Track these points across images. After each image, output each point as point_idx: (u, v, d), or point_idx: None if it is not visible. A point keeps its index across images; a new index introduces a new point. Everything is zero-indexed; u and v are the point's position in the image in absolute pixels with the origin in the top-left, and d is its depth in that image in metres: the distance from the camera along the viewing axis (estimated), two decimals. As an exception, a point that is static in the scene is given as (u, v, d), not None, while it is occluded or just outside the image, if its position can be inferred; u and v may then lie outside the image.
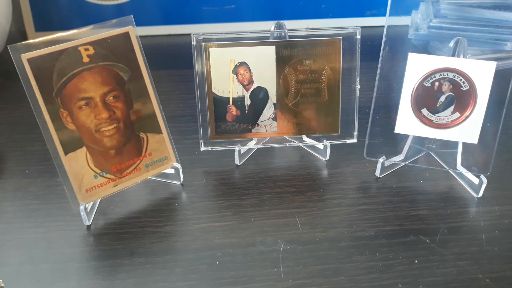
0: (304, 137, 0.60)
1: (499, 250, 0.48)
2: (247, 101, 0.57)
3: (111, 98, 0.51)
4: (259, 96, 0.57)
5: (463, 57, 0.52)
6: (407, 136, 0.57)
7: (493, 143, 0.53)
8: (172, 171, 0.56)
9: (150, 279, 0.46)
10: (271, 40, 0.56)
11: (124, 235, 0.50)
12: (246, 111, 0.57)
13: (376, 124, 0.56)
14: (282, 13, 0.89)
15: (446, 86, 0.52)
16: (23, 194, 0.55)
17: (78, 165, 0.50)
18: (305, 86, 0.57)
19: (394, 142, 0.57)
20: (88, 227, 0.51)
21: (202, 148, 0.59)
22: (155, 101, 0.54)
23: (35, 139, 0.63)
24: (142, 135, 0.54)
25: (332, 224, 0.51)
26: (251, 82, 0.56)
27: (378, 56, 0.54)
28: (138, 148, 0.53)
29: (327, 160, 0.60)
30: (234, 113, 0.57)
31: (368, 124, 0.56)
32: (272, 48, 0.55)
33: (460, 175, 0.56)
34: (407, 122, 0.54)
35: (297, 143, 0.61)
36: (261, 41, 0.55)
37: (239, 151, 0.59)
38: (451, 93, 0.52)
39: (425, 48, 0.72)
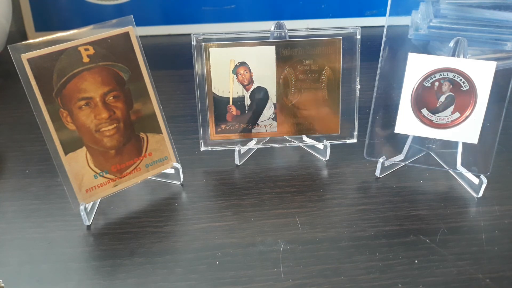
0: (304, 137, 0.60)
1: (499, 250, 0.48)
2: (247, 101, 0.57)
3: (111, 98, 0.51)
4: (259, 96, 0.57)
5: (463, 57, 0.52)
6: (407, 136, 0.57)
7: (493, 143, 0.53)
8: (172, 171, 0.56)
9: (150, 279, 0.46)
10: (271, 40, 0.56)
11: (124, 235, 0.50)
12: (246, 111, 0.57)
13: (376, 124, 0.56)
14: (282, 13, 0.89)
15: (446, 86, 0.52)
16: (23, 194, 0.55)
17: (78, 165, 0.50)
18: (305, 86, 0.57)
19: (394, 142, 0.57)
20: (88, 227, 0.51)
21: (202, 148, 0.59)
22: (155, 101, 0.54)
23: (35, 139, 0.63)
24: (142, 135, 0.54)
25: (332, 224, 0.51)
26: (251, 82, 0.56)
27: (378, 56, 0.54)
28: (138, 148, 0.53)
29: (327, 160, 0.60)
30: (234, 113, 0.57)
31: (368, 124, 0.56)
32: (272, 48, 0.55)
33: (460, 175, 0.56)
34: (407, 122, 0.54)
35: (297, 143, 0.61)
36: (261, 41, 0.55)
37: (239, 151, 0.59)
38: (451, 93, 0.52)
39: (425, 48, 0.72)
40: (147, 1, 0.87)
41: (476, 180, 0.54)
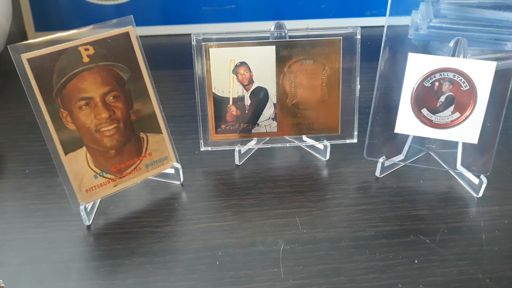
0: (304, 137, 0.60)
1: (499, 250, 0.48)
2: (247, 101, 0.57)
3: (111, 98, 0.51)
4: (259, 96, 0.57)
5: (463, 57, 0.52)
6: (407, 136, 0.57)
7: (493, 143, 0.53)
8: (172, 171, 0.56)
9: (150, 279, 0.46)
10: (271, 40, 0.56)
11: (124, 235, 0.50)
12: (246, 111, 0.57)
13: (376, 124, 0.56)
14: (282, 13, 0.89)
15: (446, 86, 0.52)
16: (23, 194, 0.55)
17: (78, 165, 0.50)
18: (305, 86, 0.57)
19: (394, 142, 0.57)
20: (88, 227, 0.51)
21: (202, 148, 0.59)
22: (155, 101, 0.54)
23: (35, 139, 0.63)
24: (142, 135, 0.54)
25: (332, 224, 0.51)
26: (251, 82, 0.56)
27: (378, 56, 0.54)
28: (138, 148, 0.53)
29: (327, 160, 0.60)
30: (234, 113, 0.57)
31: (368, 124, 0.56)
32: (272, 48, 0.55)
33: (460, 175, 0.56)
34: (407, 122, 0.54)
35: (297, 143, 0.61)
36: (261, 41, 0.55)
37: (239, 151, 0.59)
38: (451, 93, 0.52)
39: (425, 48, 0.72)
40: (147, 1, 0.87)
41: (476, 180, 0.54)
